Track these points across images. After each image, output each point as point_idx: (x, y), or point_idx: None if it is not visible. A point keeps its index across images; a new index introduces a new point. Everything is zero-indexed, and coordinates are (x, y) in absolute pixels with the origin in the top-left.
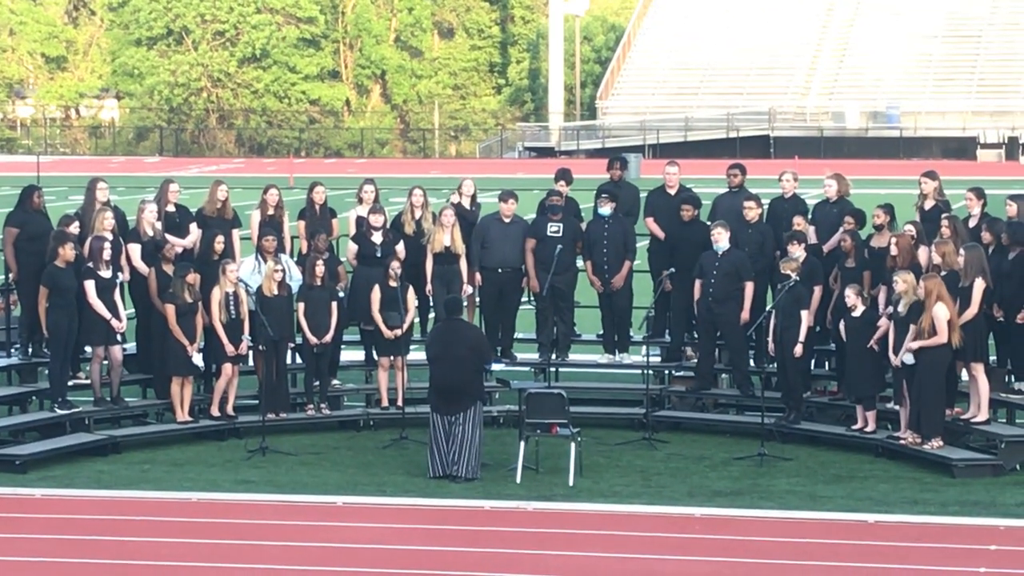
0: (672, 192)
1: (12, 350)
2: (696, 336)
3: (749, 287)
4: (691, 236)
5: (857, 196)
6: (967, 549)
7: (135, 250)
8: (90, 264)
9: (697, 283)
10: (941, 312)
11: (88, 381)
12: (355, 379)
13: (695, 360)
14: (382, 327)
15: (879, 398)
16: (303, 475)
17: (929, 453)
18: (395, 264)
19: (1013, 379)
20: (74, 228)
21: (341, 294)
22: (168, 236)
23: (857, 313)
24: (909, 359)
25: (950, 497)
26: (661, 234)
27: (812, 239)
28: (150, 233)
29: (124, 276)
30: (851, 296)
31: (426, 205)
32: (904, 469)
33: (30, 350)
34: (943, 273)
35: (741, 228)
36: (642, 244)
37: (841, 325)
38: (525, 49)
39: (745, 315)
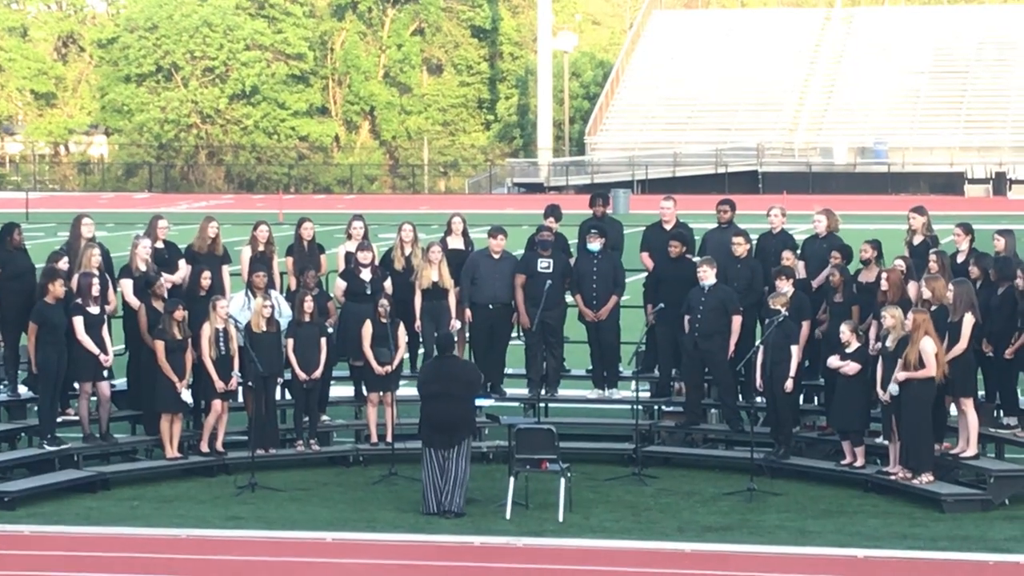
0: (668, 227)
1: (1, 386)
2: (682, 371)
3: (736, 321)
4: (678, 272)
5: (845, 231)
6: None
7: (127, 285)
8: (78, 300)
9: (685, 318)
10: (929, 346)
11: (77, 417)
12: (345, 415)
13: (684, 395)
14: (373, 363)
15: (868, 433)
16: (293, 511)
17: (918, 488)
18: (384, 301)
19: (1002, 414)
20: (63, 264)
21: (330, 330)
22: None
23: (850, 349)
24: (895, 390)
25: (940, 532)
26: (651, 265)
27: (801, 274)
28: (143, 268)
29: (111, 307)
30: (845, 332)
31: (416, 241)
32: (893, 504)
33: (20, 388)
34: (932, 308)
35: (730, 263)
36: (636, 279)
37: (832, 359)
38: (514, 85)
39: (731, 349)
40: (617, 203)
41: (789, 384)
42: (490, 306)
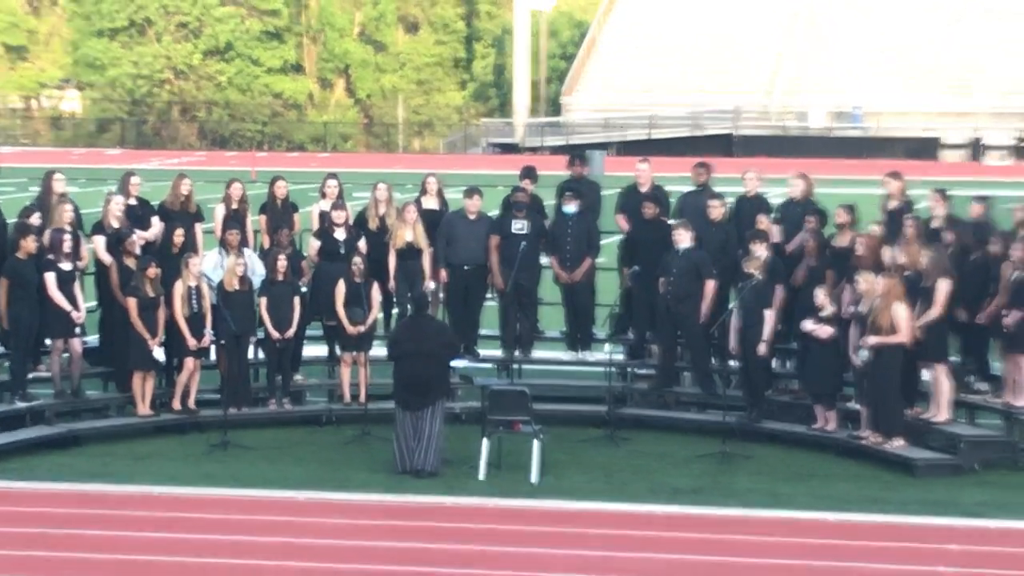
0: (644, 189)
1: None
2: (656, 334)
3: (710, 285)
4: (653, 234)
5: (821, 195)
6: (928, 548)
7: (100, 242)
8: (50, 256)
9: (660, 281)
10: (902, 311)
11: (48, 374)
12: (318, 374)
13: (658, 358)
14: (345, 323)
15: (841, 397)
16: (265, 469)
17: (890, 452)
18: (358, 260)
19: (974, 380)
20: (35, 219)
21: (304, 289)
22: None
23: (825, 313)
24: (865, 355)
25: (911, 496)
26: (626, 227)
27: (776, 238)
28: (116, 225)
29: (83, 263)
30: (820, 296)
31: (390, 200)
32: (865, 468)
33: None
34: (907, 273)
35: (705, 227)
36: (611, 241)
37: (806, 323)
38: (490, 44)
39: (704, 313)
40: (592, 165)
41: (763, 348)
42: (465, 267)
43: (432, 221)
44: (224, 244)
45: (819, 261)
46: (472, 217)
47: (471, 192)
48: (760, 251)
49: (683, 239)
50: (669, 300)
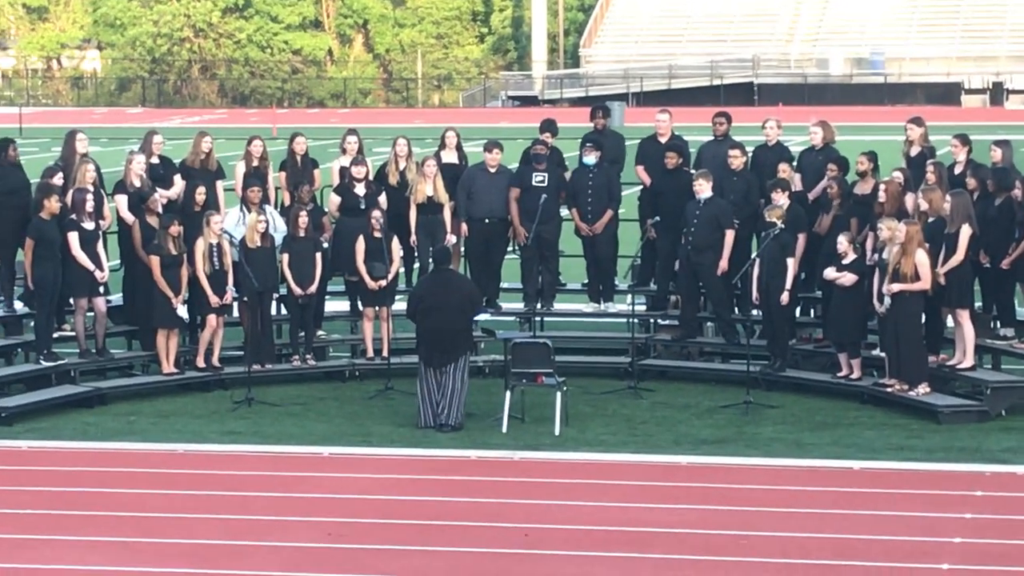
0: (663, 140)
1: None
2: (677, 285)
3: (729, 235)
4: (675, 184)
5: (842, 143)
6: (953, 495)
7: (122, 201)
8: (73, 216)
9: (683, 232)
10: (924, 258)
11: (73, 333)
12: (340, 330)
13: (680, 308)
14: (367, 278)
15: (865, 345)
16: (289, 426)
17: (915, 400)
18: (377, 214)
19: (998, 325)
20: (58, 179)
21: (325, 245)
22: (157, 189)
23: (848, 260)
24: (888, 303)
25: (936, 443)
26: (648, 180)
27: (797, 187)
28: (137, 184)
29: (106, 223)
30: (843, 243)
31: (410, 155)
32: (890, 416)
33: (16, 303)
34: (930, 219)
35: (726, 176)
36: (631, 192)
37: (829, 271)
38: None
39: (723, 263)
40: (613, 116)
41: (785, 297)
42: (486, 220)
43: (452, 175)
44: (245, 201)
45: (843, 208)
46: (492, 170)
47: (491, 145)
48: (782, 200)
49: (703, 189)
50: (690, 251)
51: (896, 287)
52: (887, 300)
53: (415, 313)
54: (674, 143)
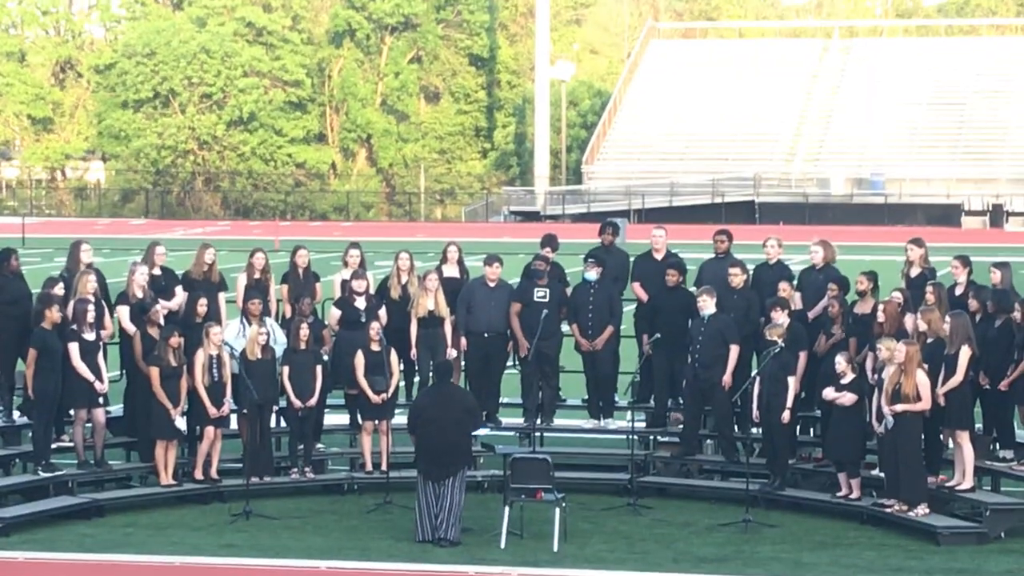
0: (659, 257)
1: None
2: (681, 401)
3: (734, 350)
4: (675, 302)
5: (842, 262)
6: None
7: (124, 312)
8: (74, 326)
9: (690, 350)
10: (924, 378)
11: (71, 444)
12: (339, 443)
13: (680, 425)
14: (368, 391)
15: (864, 465)
16: (287, 539)
17: (914, 521)
18: (375, 326)
19: (998, 447)
20: (59, 290)
21: (325, 358)
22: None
23: (846, 380)
24: (891, 422)
25: (935, 565)
26: (645, 297)
27: (798, 305)
28: (140, 295)
29: (106, 334)
30: (841, 363)
31: (412, 269)
32: (889, 536)
33: (14, 414)
34: (929, 340)
35: (727, 294)
36: (629, 309)
37: (828, 391)
38: (511, 113)
39: (727, 379)
40: (619, 233)
41: (786, 415)
42: (485, 334)
43: (453, 289)
44: (246, 313)
45: (843, 328)
46: (492, 285)
47: (491, 260)
48: (782, 318)
49: (707, 305)
50: (696, 368)
51: (899, 407)
52: (887, 420)
53: (415, 427)
54: (675, 260)
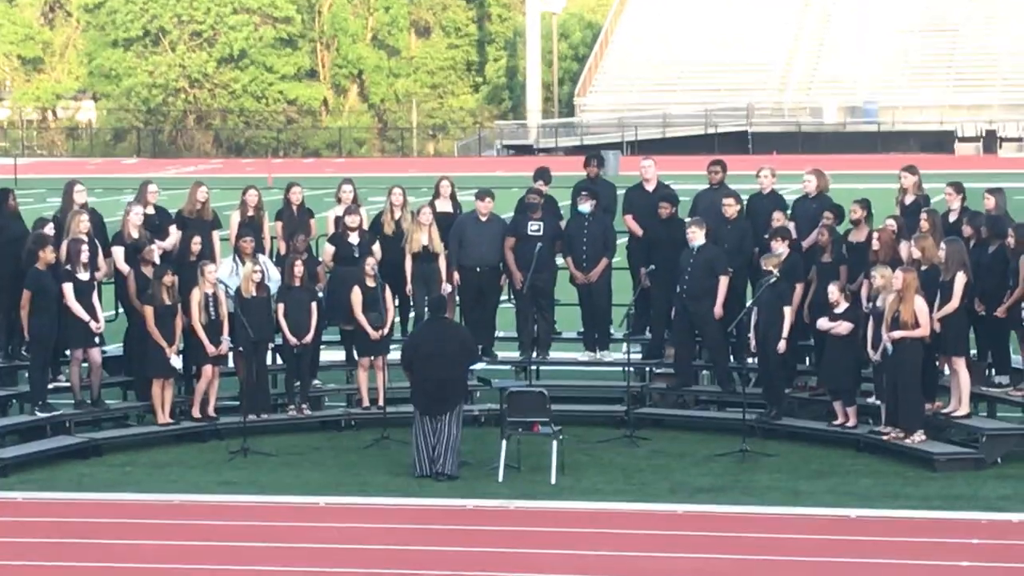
0: (650, 188)
1: None
2: (673, 333)
3: (723, 281)
4: (669, 233)
5: (836, 191)
6: (950, 543)
7: (119, 252)
8: (68, 267)
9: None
10: (923, 305)
11: (68, 384)
12: (336, 379)
13: (674, 357)
14: (367, 328)
15: (860, 393)
16: (285, 476)
17: (911, 448)
18: (371, 261)
19: (994, 373)
20: (48, 230)
21: (320, 294)
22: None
23: (839, 309)
24: (890, 349)
25: (932, 491)
26: (639, 231)
27: (792, 235)
28: (135, 236)
29: (101, 274)
30: (834, 292)
31: (405, 205)
32: (886, 464)
33: (9, 352)
34: (924, 267)
35: (720, 224)
36: (622, 241)
37: (822, 321)
38: (502, 47)
39: (718, 309)
40: (608, 165)
41: (782, 345)
42: (477, 269)
43: (446, 224)
44: (238, 251)
45: (834, 257)
46: (484, 219)
47: (482, 194)
48: (781, 248)
49: (696, 237)
50: (685, 299)
51: (898, 334)
52: (884, 348)
53: (411, 362)
54: (667, 192)
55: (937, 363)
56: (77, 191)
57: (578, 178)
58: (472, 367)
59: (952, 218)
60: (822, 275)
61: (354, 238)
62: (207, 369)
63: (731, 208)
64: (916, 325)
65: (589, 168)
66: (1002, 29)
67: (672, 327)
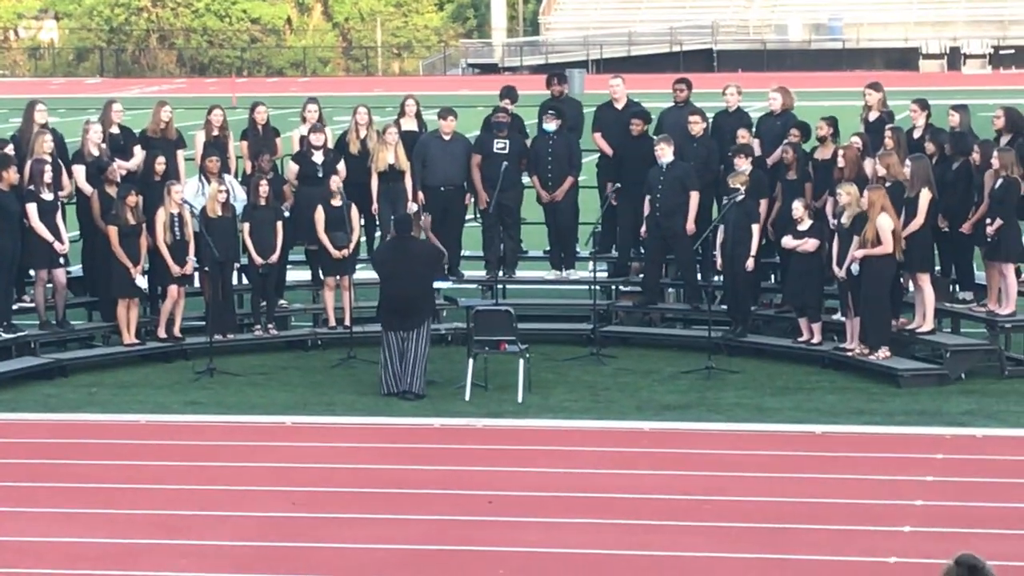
0: (619, 106)
1: None
2: (643, 251)
3: (694, 197)
4: (639, 150)
5: (801, 109)
6: (914, 458)
7: (80, 171)
8: (31, 187)
9: (647, 199)
10: (885, 222)
11: (33, 304)
12: (302, 299)
13: (642, 275)
14: (329, 247)
15: (825, 310)
16: (251, 396)
17: (875, 364)
18: (336, 179)
19: (958, 289)
20: (8, 151)
21: (286, 214)
22: (116, 159)
23: (803, 226)
24: (855, 269)
25: (896, 407)
26: (609, 150)
27: (757, 152)
28: (95, 154)
29: (64, 193)
30: (799, 209)
31: (371, 124)
32: (850, 380)
33: None
34: (888, 184)
35: (686, 142)
36: (590, 160)
37: (786, 239)
38: None
39: (690, 225)
40: (572, 83)
41: (751, 263)
42: (442, 188)
43: (412, 143)
44: (204, 171)
45: (799, 174)
46: (447, 138)
47: (445, 113)
48: (744, 165)
49: (665, 154)
50: (658, 216)
51: (860, 252)
52: (853, 266)
53: (379, 279)
54: (639, 109)
55: (902, 280)
56: (38, 111)
57: (543, 97)
58: (437, 285)
59: (916, 135)
60: (787, 192)
61: (318, 157)
62: (172, 289)
63: (697, 126)
64: (879, 242)
65: (553, 87)
66: None
67: (643, 244)
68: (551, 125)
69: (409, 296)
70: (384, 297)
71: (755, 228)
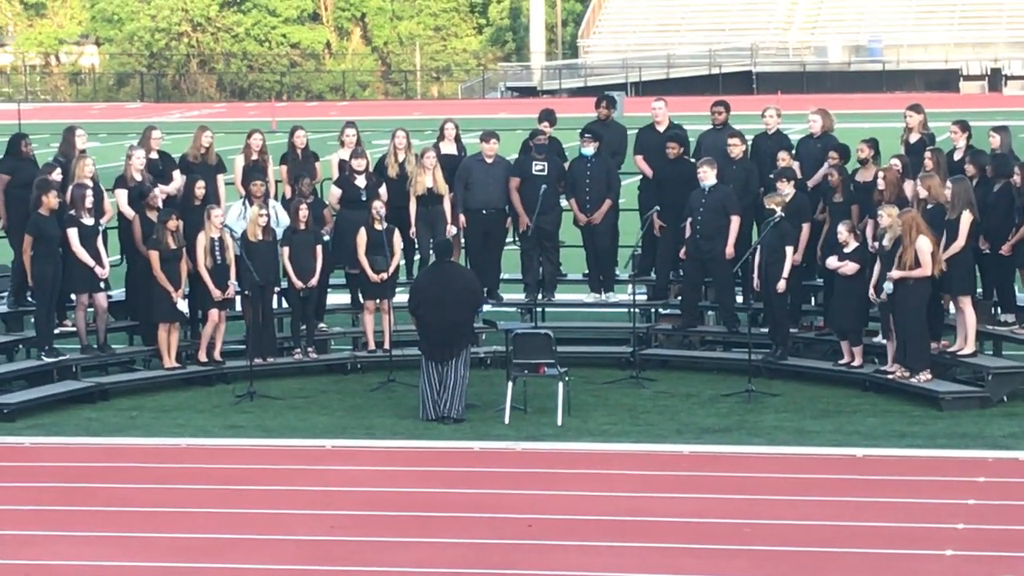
0: (661, 129)
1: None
2: (682, 273)
3: (735, 221)
4: (677, 174)
5: (840, 131)
6: (955, 481)
7: (122, 196)
8: (72, 212)
9: (687, 221)
10: (925, 245)
11: (74, 329)
12: (342, 322)
13: (679, 297)
14: (368, 271)
15: (866, 332)
16: (292, 419)
17: (916, 386)
18: (378, 204)
19: (999, 311)
20: (56, 175)
21: (326, 238)
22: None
23: (849, 249)
24: (889, 288)
25: (938, 430)
26: (649, 172)
27: (797, 175)
28: (138, 179)
29: (105, 218)
30: (843, 232)
31: (409, 147)
32: (892, 403)
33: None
34: (929, 206)
35: (726, 165)
36: (630, 182)
37: (831, 260)
38: None
39: (730, 249)
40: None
41: (782, 285)
42: (484, 211)
43: (451, 167)
44: (248, 195)
45: (844, 196)
46: (489, 161)
47: (487, 136)
48: (787, 189)
49: (708, 177)
50: (699, 239)
51: (897, 274)
52: (886, 287)
53: (417, 307)
54: (675, 133)
55: (943, 302)
56: (78, 136)
57: (582, 120)
58: (479, 310)
59: (957, 156)
60: (834, 215)
61: (360, 181)
62: (213, 313)
63: (736, 148)
64: (917, 265)
65: (600, 110)
66: None
67: (681, 267)
68: (589, 149)
69: (450, 323)
70: (424, 324)
71: (788, 250)
